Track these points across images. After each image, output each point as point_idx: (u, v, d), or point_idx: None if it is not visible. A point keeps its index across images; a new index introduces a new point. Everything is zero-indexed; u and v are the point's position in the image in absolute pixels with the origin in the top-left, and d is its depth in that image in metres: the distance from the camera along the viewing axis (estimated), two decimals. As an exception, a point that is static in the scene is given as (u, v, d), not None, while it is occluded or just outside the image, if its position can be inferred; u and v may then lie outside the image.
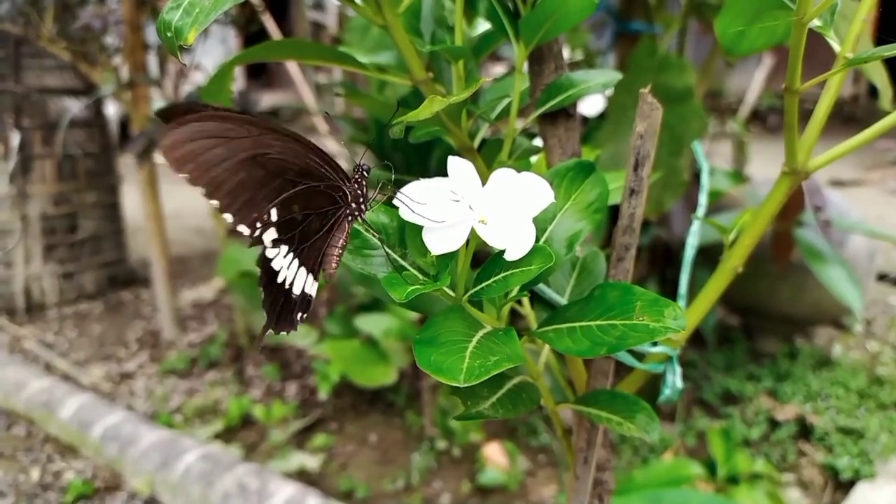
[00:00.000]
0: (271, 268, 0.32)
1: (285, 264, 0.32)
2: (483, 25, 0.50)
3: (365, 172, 0.32)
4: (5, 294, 1.97)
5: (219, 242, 1.73)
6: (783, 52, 0.34)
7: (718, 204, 1.44)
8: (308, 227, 0.32)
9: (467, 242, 0.29)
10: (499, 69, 2.49)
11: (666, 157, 1.08)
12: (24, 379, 1.48)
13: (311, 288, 0.32)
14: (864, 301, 1.22)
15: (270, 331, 0.33)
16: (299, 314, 0.31)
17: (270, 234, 0.32)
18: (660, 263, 1.43)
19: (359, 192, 0.32)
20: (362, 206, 0.32)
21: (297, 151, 0.31)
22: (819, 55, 0.47)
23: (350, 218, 0.32)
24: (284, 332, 0.32)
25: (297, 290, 0.32)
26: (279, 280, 0.32)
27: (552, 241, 0.34)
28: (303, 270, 0.32)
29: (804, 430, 1.30)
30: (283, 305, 0.32)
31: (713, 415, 1.36)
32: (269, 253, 0.33)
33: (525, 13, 0.38)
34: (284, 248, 0.33)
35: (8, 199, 1.94)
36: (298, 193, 0.32)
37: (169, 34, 0.27)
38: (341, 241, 0.32)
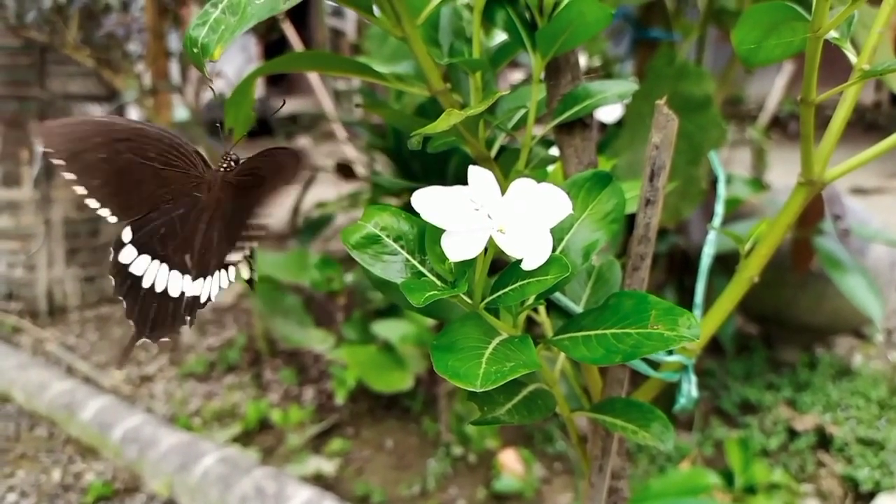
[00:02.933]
0: (130, 273, 0.32)
1: (150, 268, 0.31)
2: (500, 35, 0.51)
3: (233, 162, 0.31)
4: (28, 297, 2.01)
5: (238, 247, 1.75)
6: (804, 59, 0.34)
7: (737, 212, 1.43)
8: (170, 225, 0.32)
9: (485, 250, 0.29)
10: (517, 76, 2.50)
11: (684, 166, 1.08)
12: (46, 381, 1.50)
13: (194, 289, 0.30)
14: (885, 311, 1.21)
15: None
16: (186, 317, 0.30)
17: (126, 235, 0.32)
18: (678, 271, 1.43)
19: (222, 181, 0.31)
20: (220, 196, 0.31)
21: (155, 145, 0.31)
22: (839, 63, 0.47)
23: (215, 210, 0.31)
24: (166, 339, 0.31)
25: (173, 293, 0.31)
26: (145, 285, 0.31)
27: (569, 251, 0.34)
28: (175, 272, 0.31)
29: (823, 441, 1.29)
30: (157, 311, 0.31)
31: (731, 424, 1.36)
32: (124, 257, 0.32)
33: (542, 25, 0.38)
34: (144, 250, 0.32)
35: (32, 203, 1.97)
36: (155, 191, 0.32)
37: (195, 50, 0.28)
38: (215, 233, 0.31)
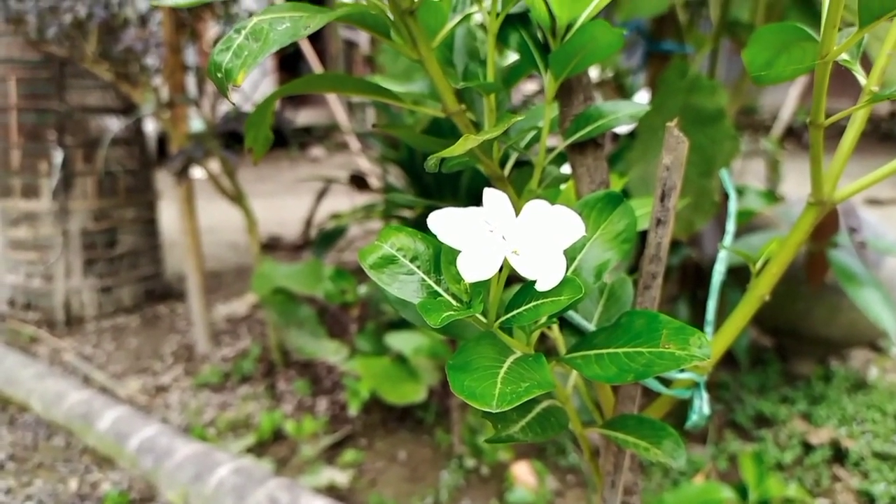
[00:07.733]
0: None
1: None
2: (514, 54, 0.52)
3: None
4: (46, 307, 2.03)
5: (252, 258, 1.76)
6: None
7: (751, 224, 1.43)
8: None
9: (500, 271, 0.30)
10: (530, 86, 2.51)
11: (697, 179, 1.08)
12: (63, 390, 1.52)
13: None
14: (900, 324, 1.20)
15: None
16: None
17: None
18: (690, 283, 1.42)
19: None
20: None
21: None
22: (851, 78, 0.47)
23: None
24: None
25: None
26: None
27: (581, 270, 0.34)
28: None
29: (839, 455, 1.28)
30: None
31: (745, 437, 1.35)
32: None
33: (555, 47, 0.39)
34: None
35: (50, 214, 2.00)
36: None
37: (219, 75, 0.29)
38: None
